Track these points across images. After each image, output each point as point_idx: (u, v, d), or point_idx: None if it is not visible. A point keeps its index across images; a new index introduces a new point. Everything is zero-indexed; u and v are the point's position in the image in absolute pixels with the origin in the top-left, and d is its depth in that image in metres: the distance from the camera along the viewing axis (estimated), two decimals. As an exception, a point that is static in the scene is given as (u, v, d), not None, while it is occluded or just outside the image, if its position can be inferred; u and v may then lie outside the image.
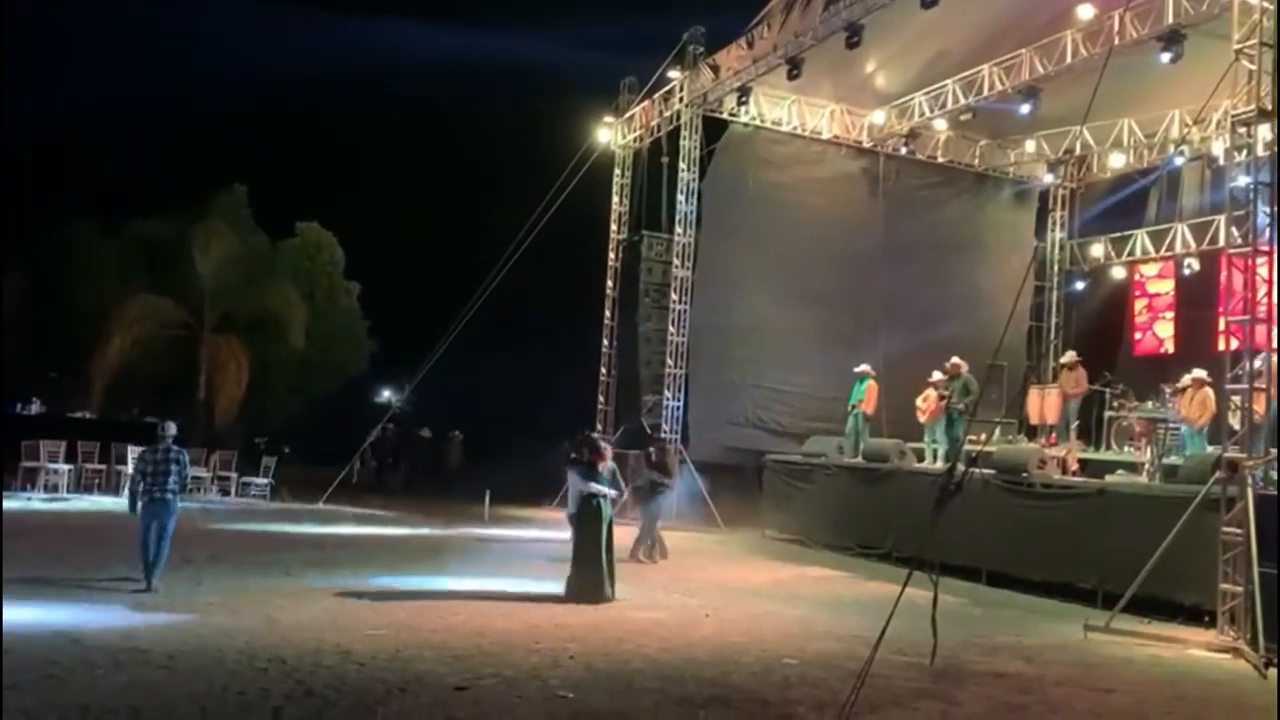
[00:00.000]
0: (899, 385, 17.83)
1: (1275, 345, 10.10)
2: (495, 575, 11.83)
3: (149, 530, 10.10)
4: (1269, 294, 10.13)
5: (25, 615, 8.26)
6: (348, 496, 20.97)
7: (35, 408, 36.11)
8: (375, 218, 35.69)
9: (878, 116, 20.35)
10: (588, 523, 10.57)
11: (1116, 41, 14.27)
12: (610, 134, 22.45)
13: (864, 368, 17.23)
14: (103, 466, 19.67)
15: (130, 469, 11.27)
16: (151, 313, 26.92)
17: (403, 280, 34.53)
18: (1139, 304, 21.14)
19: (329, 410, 32.82)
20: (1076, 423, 15.84)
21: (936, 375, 16.05)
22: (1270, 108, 10.22)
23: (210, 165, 31.85)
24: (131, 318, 26.45)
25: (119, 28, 36.76)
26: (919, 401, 16.19)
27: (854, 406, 17.09)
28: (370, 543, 14.76)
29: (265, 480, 19.76)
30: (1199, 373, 13.24)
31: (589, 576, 10.39)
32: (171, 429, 10.81)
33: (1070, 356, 16.37)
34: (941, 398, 15.64)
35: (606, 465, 10.96)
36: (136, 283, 28.05)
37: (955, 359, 15.79)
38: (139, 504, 10.15)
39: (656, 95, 21.27)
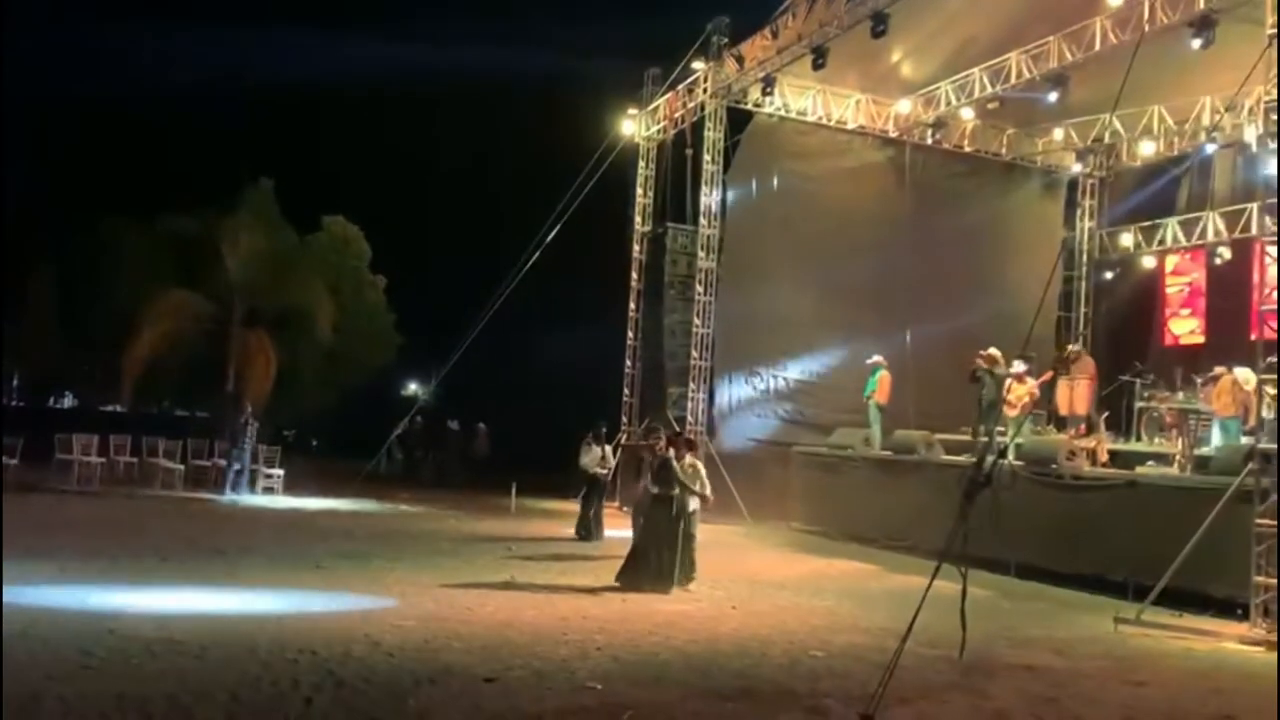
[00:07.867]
0: (927, 377, 17.73)
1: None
2: (519, 567, 11.90)
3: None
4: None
5: (63, 604, 8.39)
6: (377, 489, 21.07)
7: (68, 401, 36.64)
8: (401, 212, 35.85)
9: (904, 106, 20.17)
10: (635, 513, 11.60)
11: (1147, 27, 14.08)
12: (634, 126, 22.36)
13: (876, 359, 17.11)
14: (134, 459, 19.85)
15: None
16: (181, 307, 27.11)
17: (428, 274, 34.69)
18: (1170, 293, 20.91)
19: (357, 403, 33.05)
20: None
21: (1019, 365, 15.57)
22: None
23: (237, 160, 32.09)
24: (161, 312, 26.65)
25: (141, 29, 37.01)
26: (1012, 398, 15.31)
27: (868, 398, 16.98)
28: (399, 535, 14.85)
29: (276, 472, 18.97)
30: (1242, 370, 13.03)
31: (627, 563, 11.03)
32: (249, 408, 19.46)
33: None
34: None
35: (652, 459, 11.46)
36: (166, 277, 28.33)
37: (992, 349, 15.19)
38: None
39: (680, 86, 21.16)
